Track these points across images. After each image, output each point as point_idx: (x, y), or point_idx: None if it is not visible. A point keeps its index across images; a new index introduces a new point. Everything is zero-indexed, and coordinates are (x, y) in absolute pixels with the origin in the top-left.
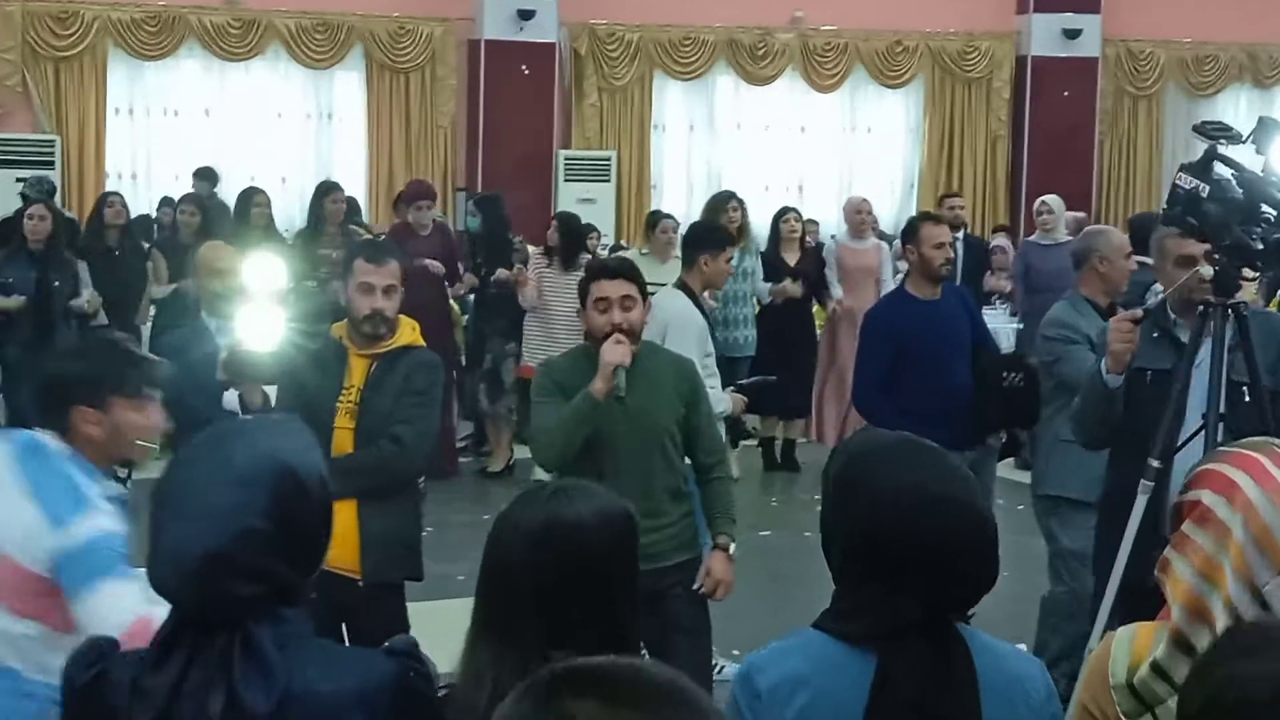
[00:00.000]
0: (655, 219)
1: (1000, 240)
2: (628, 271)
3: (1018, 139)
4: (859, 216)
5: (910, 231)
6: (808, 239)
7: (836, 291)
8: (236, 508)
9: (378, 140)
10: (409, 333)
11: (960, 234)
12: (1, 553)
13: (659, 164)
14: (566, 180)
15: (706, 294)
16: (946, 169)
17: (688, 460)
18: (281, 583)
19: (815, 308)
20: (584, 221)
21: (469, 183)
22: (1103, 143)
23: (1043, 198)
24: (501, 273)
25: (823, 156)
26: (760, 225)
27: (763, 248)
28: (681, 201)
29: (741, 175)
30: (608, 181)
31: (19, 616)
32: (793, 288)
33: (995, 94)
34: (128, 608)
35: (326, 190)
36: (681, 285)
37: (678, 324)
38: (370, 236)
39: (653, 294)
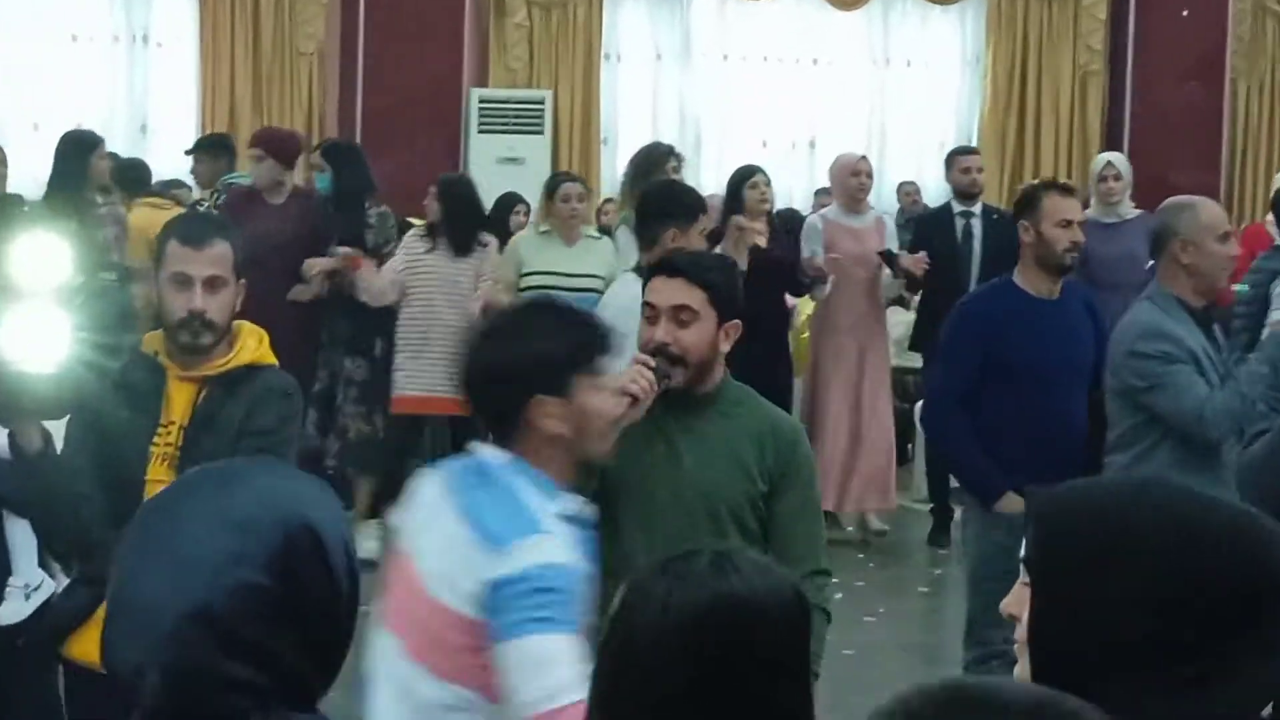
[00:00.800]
0: (555, 183)
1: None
2: (696, 271)
3: (1117, 76)
4: (855, 181)
5: (1029, 203)
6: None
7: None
8: (232, 556)
9: (214, 74)
10: (253, 345)
11: (977, 206)
12: (430, 594)
13: (611, 109)
14: (482, 131)
15: None
16: (1018, 118)
17: None
18: (288, 672)
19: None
20: (508, 191)
21: (344, 132)
22: (1236, 81)
23: (1106, 156)
24: (322, 261)
25: (844, 100)
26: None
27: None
28: None
29: (729, 126)
30: (540, 133)
31: (443, 680)
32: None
33: (1086, 13)
34: (564, 680)
35: (90, 144)
36: (639, 272)
37: (619, 325)
38: (199, 205)
39: (584, 291)
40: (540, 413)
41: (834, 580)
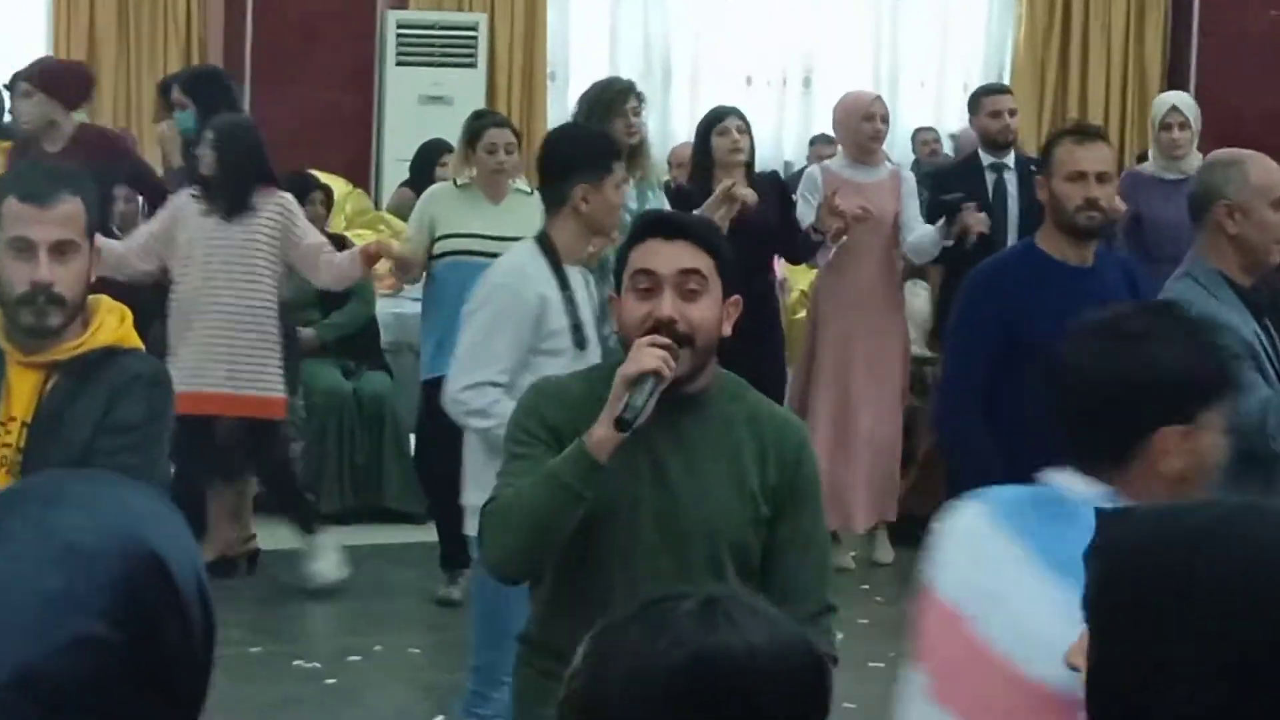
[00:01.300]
0: (478, 127)
1: None
2: (703, 232)
3: (1181, 7)
4: (868, 126)
5: (1044, 153)
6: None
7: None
8: (61, 603)
9: None
10: (113, 325)
11: (1010, 157)
12: (1020, 672)
13: (560, 37)
14: (401, 63)
15: (594, 247)
16: (1060, 50)
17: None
18: None
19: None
20: (433, 137)
21: (230, 64)
22: None
23: (1169, 97)
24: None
25: (845, 28)
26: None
27: (668, 176)
28: None
29: (704, 58)
30: (472, 66)
31: None
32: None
33: None
34: None
35: None
36: (541, 241)
37: (482, 300)
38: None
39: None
40: (1165, 446)
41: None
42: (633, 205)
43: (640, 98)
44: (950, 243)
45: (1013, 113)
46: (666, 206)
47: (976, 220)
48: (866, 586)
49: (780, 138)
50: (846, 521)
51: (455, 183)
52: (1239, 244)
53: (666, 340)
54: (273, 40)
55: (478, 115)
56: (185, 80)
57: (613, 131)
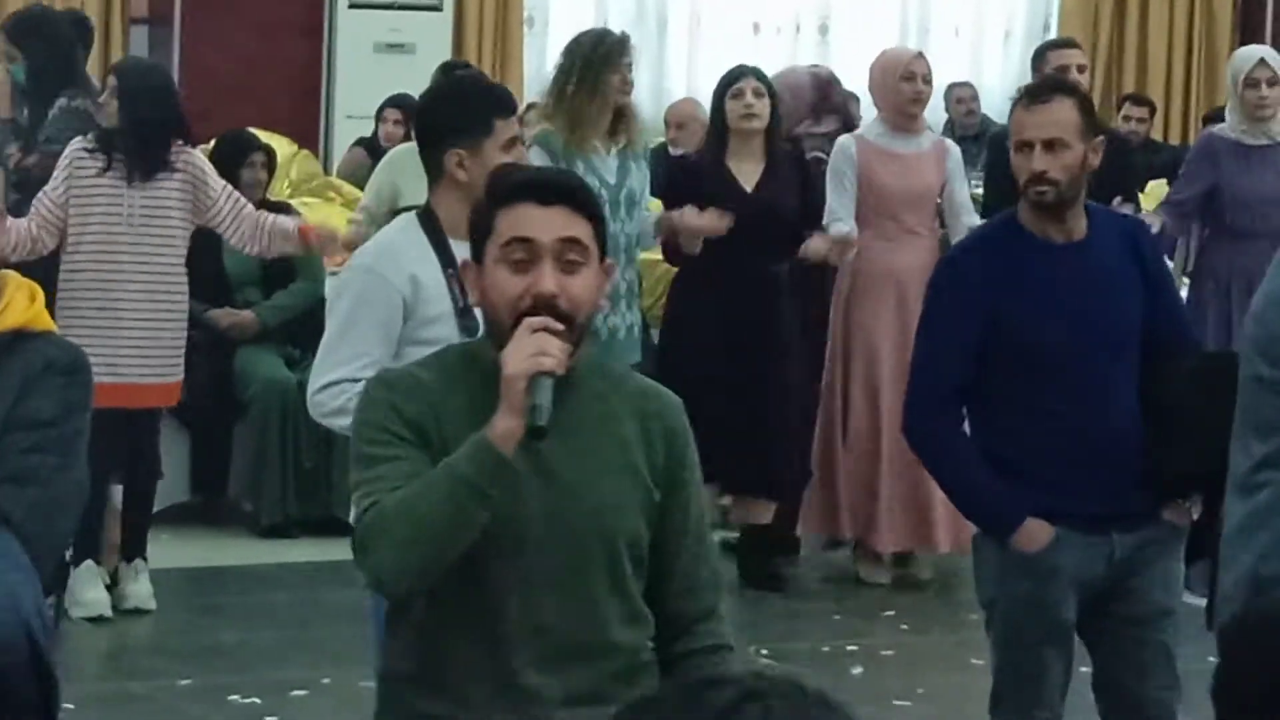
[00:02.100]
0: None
1: None
2: (579, 195)
3: None
4: (909, 88)
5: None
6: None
7: (838, 231)
8: None
9: None
10: (22, 304)
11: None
12: None
13: None
14: (355, 5)
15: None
16: (1116, 11)
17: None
18: None
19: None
20: (395, 93)
21: (156, 9)
22: None
23: (1255, 50)
24: None
25: None
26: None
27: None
28: None
29: (704, 3)
30: (437, 9)
31: None
32: (823, 243)
33: None
34: None
35: None
36: (424, 214)
37: (341, 286)
38: None
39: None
40: None
41: (852, 648)
42: (610, 179)
43: (624, 43)
44: None
45: (1082, 69)
46: (647, 181)
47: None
48: (891, 613)
49: None
50: (871, 536)
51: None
52: None
53: (556, 325)
54: None
55: (449, 66)
56: (9, 28)
57: (607, 88)
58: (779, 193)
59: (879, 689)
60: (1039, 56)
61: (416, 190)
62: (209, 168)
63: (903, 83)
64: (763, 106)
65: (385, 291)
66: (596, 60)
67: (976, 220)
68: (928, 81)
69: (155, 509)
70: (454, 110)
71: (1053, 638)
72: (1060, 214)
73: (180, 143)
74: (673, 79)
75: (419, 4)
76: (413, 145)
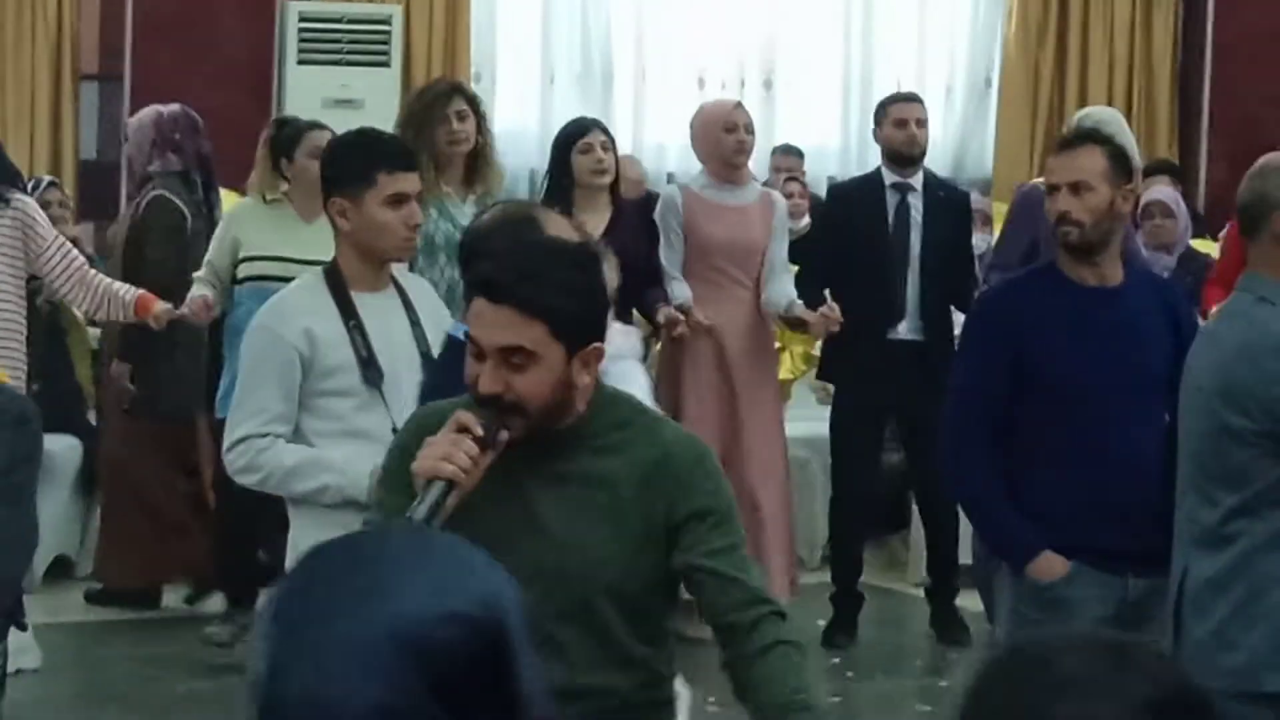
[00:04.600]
0: (295, 131)
1: (1159, 193)
2: (528, 293)
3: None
4: (730, 139)
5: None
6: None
7: (680, 293)
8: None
9: None
10: None
11: (918, 176)
12: None
13: (488, 33)
14: (304, 61)
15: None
16: (1056, 55)
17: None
18: None
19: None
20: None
21: (106, 65)
22: None
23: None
24: None
25: (813, 24)
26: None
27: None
28: (527, 102)
29: (650, 57)
30: (385, 65)
31: None
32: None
33: None
34: None
35: None
36: (329, 268)
37: (244, 347)
38: None
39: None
40: None
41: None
42: (466, 225)
43: (472, 99)
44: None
45: (920, 123)
46: None
47: (818, 320)
48: (837, 660)
49: None
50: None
51: (264, 198)
52: None
53: (477, 430)
54: (155, 33)
55: (284, 121)
56: None
57: (432, 141)
58: (627, 242)
59: None
60: (880, 110)
61: (254, 241)
62: (40, 217)
63: (725, 134)
64: (610, 160)
65: (279, 348)
66: (419, 112)
67: (787, 292)
68: (750, 131)
69: None
70: (338, 161)
71: None
72: (1090, 257)
73: (10, 187)
74: (618, 134)
75: (367, 60)
76: (250, 201)
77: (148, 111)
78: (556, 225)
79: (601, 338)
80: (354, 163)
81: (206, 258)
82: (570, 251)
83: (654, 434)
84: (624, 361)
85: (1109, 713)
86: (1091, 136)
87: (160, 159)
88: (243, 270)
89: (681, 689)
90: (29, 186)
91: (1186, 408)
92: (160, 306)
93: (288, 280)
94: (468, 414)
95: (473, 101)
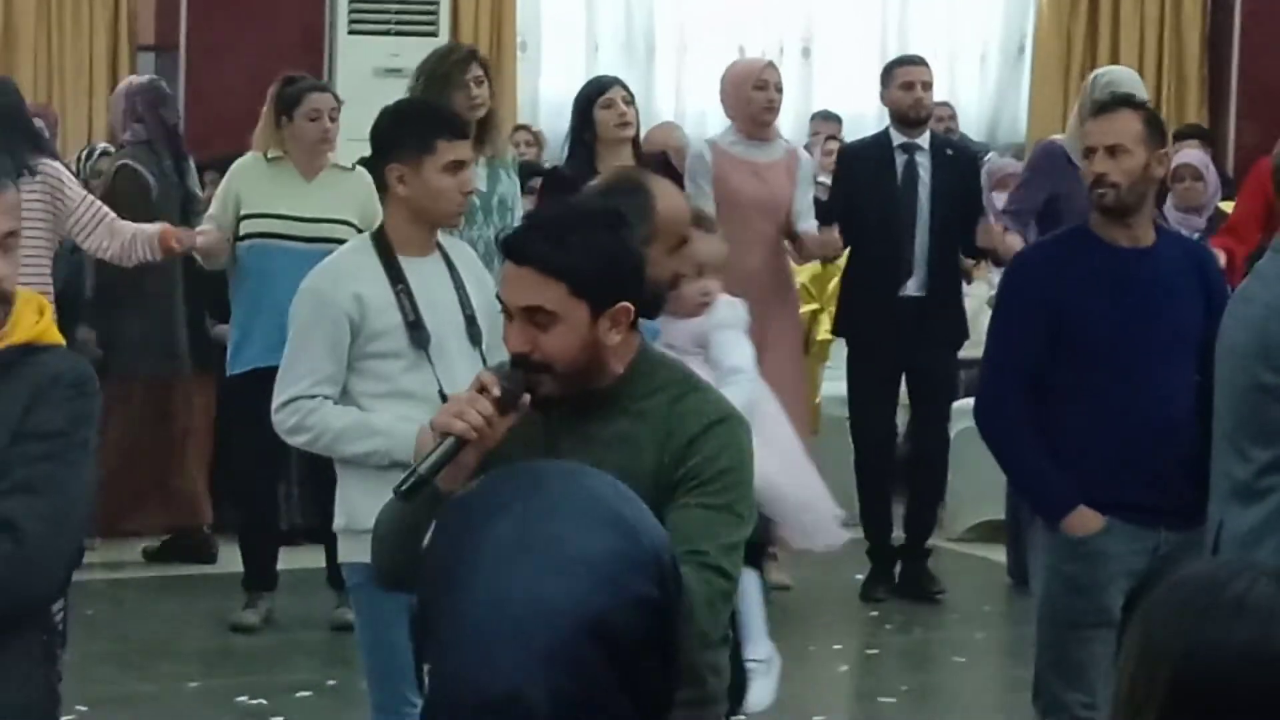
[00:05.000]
0: (295, 91)
1: (1189, 156)
2: (548, 254)
3: None
4: (760, 96)
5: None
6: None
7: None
8: (623, 563)
9: None
10: (30, 320)
11: (924, 136)
12: None
13: (533, 3)
14: (355, 31)
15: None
16: (1088, 23)
17: None
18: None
19: None
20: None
21: (162, 35)
22: None
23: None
24: None
25: None
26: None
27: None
28: (572, 71)
29: (691, 26)
30: (433, 34)
31: None
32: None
33: None
34: None
35: None
36: (377, 233)
37: (294, 309)
38: None
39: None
40: None
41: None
42: (481, 187)
43: (485, 65)
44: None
45: (926, 86)
46: (517, 190)
47: (815, 241)
48: (875, 613)
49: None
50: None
51: (266, 156)
52: None
53: (494, 389)
54: (210, 4)
55: (290, 80)
56: None
57: (452, 105)
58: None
59: (864, 689)
60: (886, 72)
61: (254, 198)
62: (67, 178)
63: (756, 91)
64: (633, 114)
65: (330, 311)
66: (438, 79)
67: (814, 225)
68: (779, 90)
69: None
70: (398, 127)
71: (1096, 621)
72: (1124, 219)
73: (38, 153)
74: (661, 102)
75: (415, 30)
76: (253, 156)
77: (124, 83)
78: (662, 190)
79: (632, 298)
80: (415, 130)
81: (208, 213)
82: (595, 214)
83: (679, 399)
84: (728, 330)
85: None
86: (1128, 102)
87: (129, 129)
88: (242, 227)
89: (773, 655)
90: (84, 154)
91: (1221, 365)
92: (182, 231)
93: (285, 236)
94: (489, 374)
95: (486, 67)
